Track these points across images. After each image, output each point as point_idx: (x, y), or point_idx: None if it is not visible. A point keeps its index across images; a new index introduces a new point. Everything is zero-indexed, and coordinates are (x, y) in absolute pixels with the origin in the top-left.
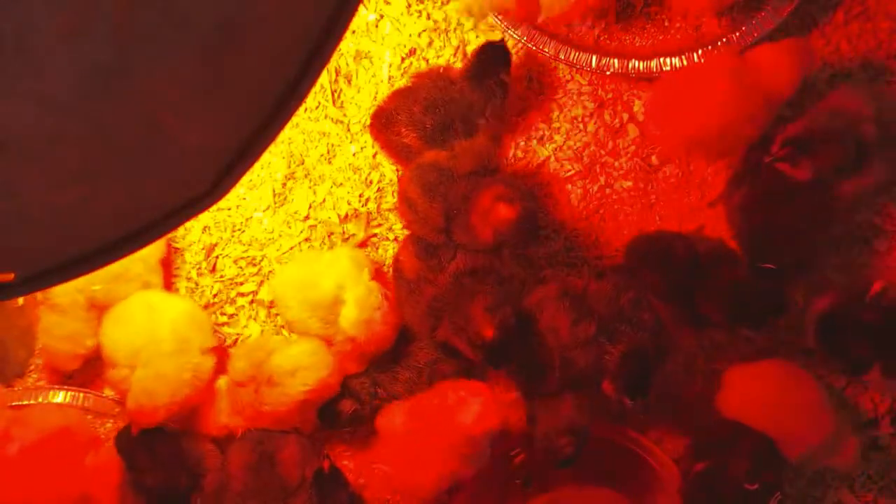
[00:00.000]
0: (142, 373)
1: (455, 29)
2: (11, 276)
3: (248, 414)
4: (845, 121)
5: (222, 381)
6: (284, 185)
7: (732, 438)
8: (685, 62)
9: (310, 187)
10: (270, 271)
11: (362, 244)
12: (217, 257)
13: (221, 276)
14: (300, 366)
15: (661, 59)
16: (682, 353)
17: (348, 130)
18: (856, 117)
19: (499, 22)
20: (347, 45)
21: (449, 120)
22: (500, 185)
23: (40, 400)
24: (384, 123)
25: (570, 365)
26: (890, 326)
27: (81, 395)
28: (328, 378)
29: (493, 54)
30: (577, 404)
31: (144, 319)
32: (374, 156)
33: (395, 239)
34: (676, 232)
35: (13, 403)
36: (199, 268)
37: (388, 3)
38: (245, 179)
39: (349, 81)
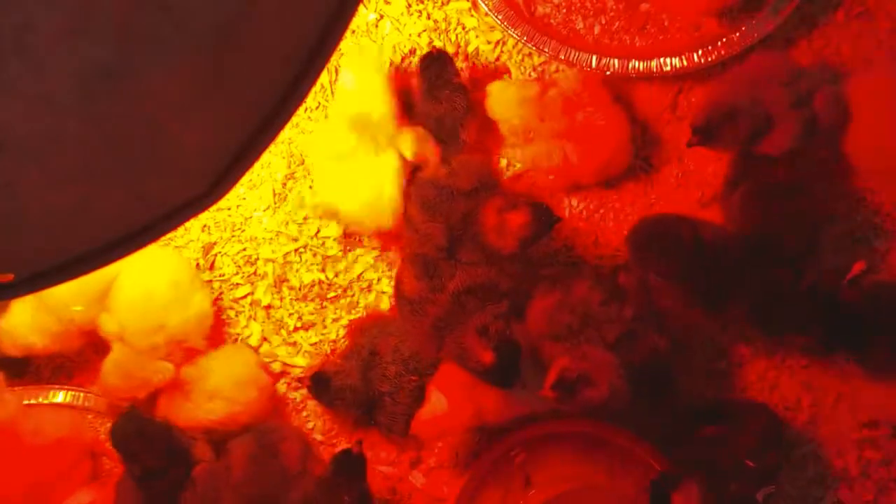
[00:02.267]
0: (118, 353)
1: (455, 29)
2: (11, 276)
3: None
4: (749, 92)
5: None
6: (284, 184)
7: (744, 415)
8: (685, 62)
9: (310, 187)
10: (265, 273)
11: None
12: (216, 255)
13: (221, 275)
14: (219, 393)
15: (662, 59)
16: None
17: None
18: (763, 84)
19: (498, 22)
20: (348, 44)
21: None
22: (497, 198)
23: (40, 400)
24: None
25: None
26: (865, 311)
27: (82, 394)
28: (239, 416)
29: (435, 64)
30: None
31: (149, 278)
32: None
33: None
34: (679, 214)
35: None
36: (198, 265)
37: (388, 3)
38: (245, 179)
39: None
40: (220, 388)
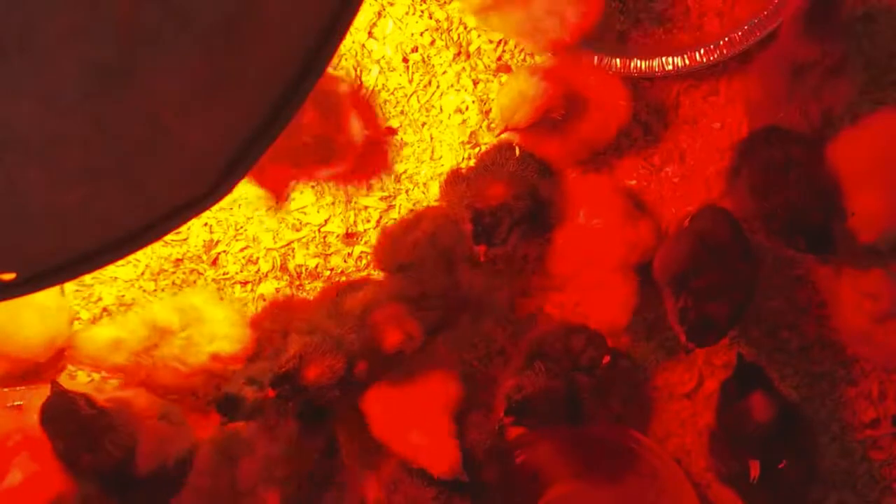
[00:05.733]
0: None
1: (457, 28)
2: (13, 275)
3: (136, 370)
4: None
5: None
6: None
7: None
8: (687, 62)
9: (312, 186)
10: (269, 270)
11: None
12: (218, 254)
13: (224, 273)
14: (218, 334)
15: (663, 59)
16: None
17: None
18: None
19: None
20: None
21: None
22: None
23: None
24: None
25: None
26: None
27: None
28: (238, 354)
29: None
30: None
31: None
32: None
33: None
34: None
35: (15, 403)
36: (201, 259)
37: (391, 4)
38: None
39: None
40: (217, 329)
